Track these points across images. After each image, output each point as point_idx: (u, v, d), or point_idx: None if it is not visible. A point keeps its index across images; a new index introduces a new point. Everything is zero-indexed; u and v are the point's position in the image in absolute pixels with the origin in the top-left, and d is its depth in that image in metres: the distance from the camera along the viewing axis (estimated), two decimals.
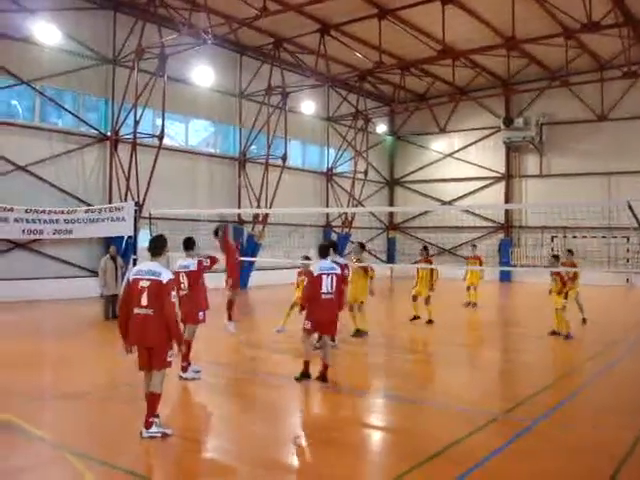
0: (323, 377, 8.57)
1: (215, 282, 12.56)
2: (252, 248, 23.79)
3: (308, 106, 28.13)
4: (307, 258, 12.35)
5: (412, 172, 34.45)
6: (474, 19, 22.17)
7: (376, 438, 6.84)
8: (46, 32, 18.72)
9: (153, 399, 6.26)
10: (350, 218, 30.06)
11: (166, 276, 6.30)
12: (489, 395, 8.66)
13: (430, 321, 14.57)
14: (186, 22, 19.34)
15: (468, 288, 18.67)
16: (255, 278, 24.35)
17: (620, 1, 19.86)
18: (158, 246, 6.59)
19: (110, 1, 20.54)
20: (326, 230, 29.73)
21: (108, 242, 18.03)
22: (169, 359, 6.33)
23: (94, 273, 18.00)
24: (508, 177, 31.47)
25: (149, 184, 20.24)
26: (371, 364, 10.71)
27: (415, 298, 15.10)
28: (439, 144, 33.65)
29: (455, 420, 7.18)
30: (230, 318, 12.34)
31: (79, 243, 19.34)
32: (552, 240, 28.92)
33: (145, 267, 6.42)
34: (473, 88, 30.58)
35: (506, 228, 31.21)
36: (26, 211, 16.75)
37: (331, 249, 11.36)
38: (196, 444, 6.37)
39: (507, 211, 31.03)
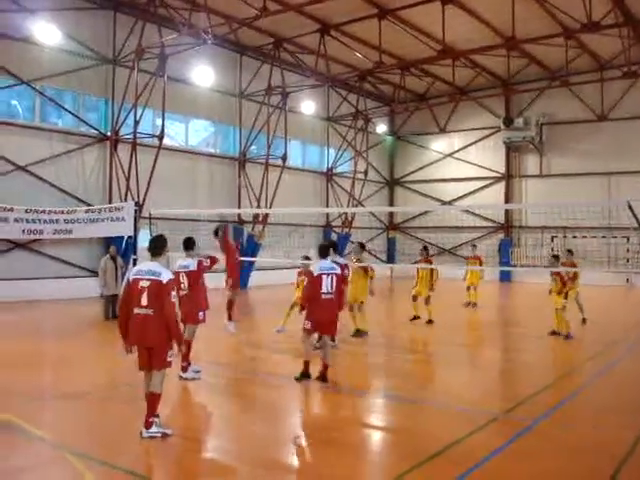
0: (323, 377, 8.57)
1: (215, 282, 12.55)
2: (252, 248, 23.79)
3: (308, 106, 28.13)
4: (307, 258, 12.35)
5: (412, 172, 34.45)
6: (474, 19, 22.17)
7: (376, 438, 6.84)
8: (46, 32, 18.72)
9: (153, 399, 6.25)
10: (350, 218, 30.06)
11: (166, 276, 6.30)
12: (489, 395, 8.66)
13: (430, 321, 14.57)
14: (186, 22, 19.33)
15: (468, 288, 18.67)
16: (255, 278, 24.35)
17: (620, 1, 19.86)
18: (158, 246, 6.58)
19: (110, 1, 20.54)
20: (326, 230, 29.73)
21: (108, 242, 18.03)
22: (169, 359, 6.32)
23: (94, 273, 18.00)
24: (508, 177, 31.47)
25: (149, 184, 20.24)
26: (371, 364, 10.70)
27: (415, 298, 15.10)
28: (439, 144, 33.65)
29: (455, 420, 7.17)
30: (230, 318, 12.33)
31: (79, 243, 19.34)
32: (552, 240, 28.92)
33: (145, 267, 6.41)
34: (473, 88, 30.58)
35: (506, 228, 31.21)
36: (26, 211, 16.74)
37: (331, 249, 11.39)
38: (196, 444, 6.37)
39: (507, 211, 31.04)
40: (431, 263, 15.80)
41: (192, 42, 20.54)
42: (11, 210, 16.58)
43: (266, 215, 24.62)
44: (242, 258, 15.40)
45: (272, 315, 14.26)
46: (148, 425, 6.16)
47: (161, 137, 20.45)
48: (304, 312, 8.86)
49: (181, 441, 6.30)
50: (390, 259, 33.50)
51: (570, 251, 15.35)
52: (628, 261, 27.32)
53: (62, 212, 17.18)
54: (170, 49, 20.31)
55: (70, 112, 20.17)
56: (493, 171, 31.79)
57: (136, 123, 20.07)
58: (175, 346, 6.40)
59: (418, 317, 14.97)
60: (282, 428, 6.95)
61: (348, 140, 30.59)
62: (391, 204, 34.92)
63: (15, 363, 9.79)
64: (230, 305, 12.37)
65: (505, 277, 29.96)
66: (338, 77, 27.20)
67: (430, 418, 7.44)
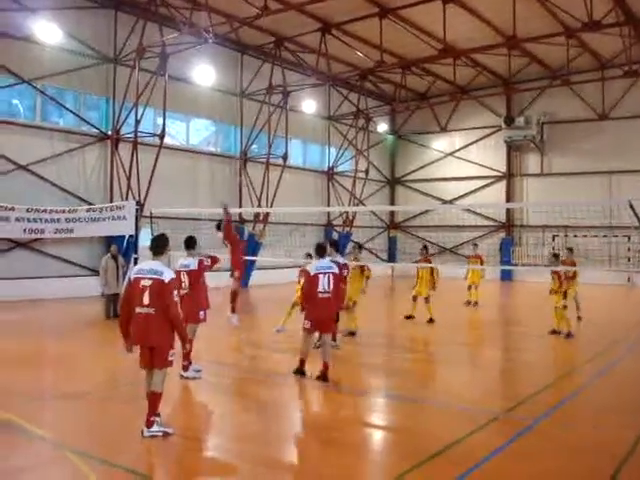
0: (324, 376, 8.58)
1: (216, 281, 12.57)
2: (253, 247, 23.78)
3: (309, 105, 28.11)
4: (309, 256, 12.34)
5: (413, 171, 34.43)
6: (475, 18, 22.16)
7: (377, 437, 6.85)
8: (47, 31, 18.71)
9: (154, 398, 6.26)
10: (351, 217, 30.06)
11: (168, 275, 6.30)
12: (490, 394, 8.66)
13: (431, 320, 14.57)
14: (187, 21, 19.32)
15: (469, 287, 18.69)
16: (256, 277, 24.35)
17: (621, 0, 19.84)
18: (160, 245, 6.58)
19: (111, 0, 20.54)
20: (327, 229, 29.73)
21: (109, 241, 18.04)
22: (170, 358, 6.33)
23: (95, 272, 18.00)
24: (509, 176, 31.45)
25: (150, 183, 20.25)
26: (372, 363, 10.70)
27: (415, 298, 15.10)
28: (440, 143, 33.63)
29: (456, 419, 7.18)
30: (233, 310, 12.33)
31: (80, 242, 19.36)
32: (553, 239, 28.90)
33: (147, 266, 6.41)
34: (474, 87, 30.56)
35: (507, 227, 31.20)
36: (27, 210, 16.78)
37: (332, 248, 11.42)
38: (197, 443, 6.38)
39: (508, 210, 31.04)
40: (430, 262, 15.81)
41: (193, 41, 20.52)
42: (12, 209, 16.62)
43: (267, 214, 24.63)
44: (244, 257, 15.39)
45: (273, 314, 14.26)
46: (149, 424, 6.17)
47: (162, 136, 20.46)
48: (305, 311, 8.90)
49: (182, 440, 6.31)
50: (391, 258, 33.49)
51: (570, 249, 15.35)
52: (629, 260, 27.30)
53: (63, 211, 17.24)
54: (171, 48, 20.31)
55: (71, 111, 20.18)
56: (494, 170, 31.77)
57: (137, 122, 20.07)
58: (180, 344, 6.40)
59: (413, 317, 14.98)
60: (283, 427, 6.96)
61: (349, 139, 30.58)
62: (392, 203, 34.91)
63: (15, 362, 9.81)
64: (234, 297, 12.37)
65: (506, 276, 29.95)
66: (339, 76, 27.18)
67: (431, 417, 7.45)
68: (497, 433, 6.69)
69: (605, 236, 27.36)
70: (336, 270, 8.93)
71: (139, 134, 20.32)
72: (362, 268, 12.79)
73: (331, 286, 8.70)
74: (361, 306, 13.21)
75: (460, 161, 32.74)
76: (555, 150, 30.14)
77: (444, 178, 33.04)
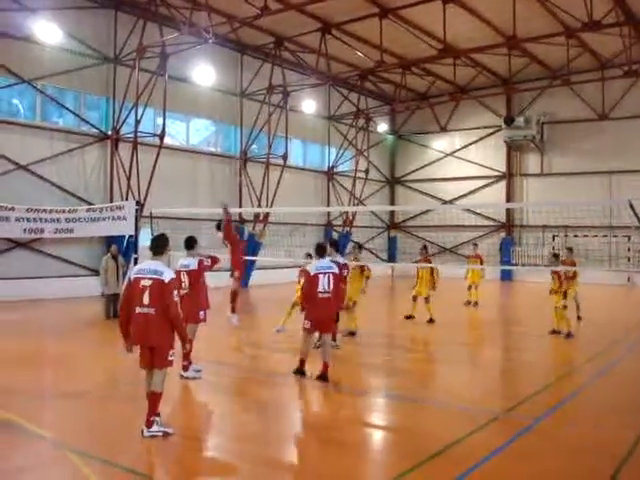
0: (324, 376, 8.59)
1: (216, 281, 12.57)
2: (253, 247, 23.78)
3: (309, 105, 28.11)
4: (310, 256, 12.34)
5: (413, 171, 34.42)
6: (475, 18, 22.15)
7: (377, 437, 6.85)
8: (47, 31, 18.70)
9: (154, 398, 6.26)
10: (351, 217, 30.07)
11: (168, 275, 6.29)
12: (490, 394, 8.66)
13: (431, 320, 14.57)
14: (187, 21, 19.31)
15: (469, 287, 18.70)
16: (256, 277, 24.35)
17: (621, 0, 19.84)
18: (160, 245, 6.57)
19: (111, 0, 20.54)
20: (327, 229, 29.73)
21: (109, 241, 18.04)
22: (170, 358, 6.33)
23: (95, 272, 18.02)
24: (509, 176, 31.45)
25: (150, 183, 20.26)
26: (372, 363, 10.70)
27: (415, 298, 15.11)
28: (440, 143, 33.63)
29: (456, 419, 7.18)
30: (233, 310, 12.32)
31: (80, 242, 19.36)
32: (553, 239, 28.91)
33: (147, 266, 6.40)
34: (474, 87, 30.54)
35: (507, 227, 31.20)
36: (27, 210, 16.77)
37: (332, 248, 11.42)
38: (197, 443, 6.38)
39: (508, 210, 31.04)
40: (430, 262, 15.81)
41: (193, 41, 20.53)
42: (12, 209, 16.61)
43: (267, 214, 24.62)
44: (244, 257, 15.40)
45: (273, 314, 14.26)
46: (149, 424, 6.17)
47: (162, 136, 20.47)
48: (305, 311, 8.91)
49: (182, 440, 6.31)
50: (391, 258, 33.49)
51: (570, 249, 15.34)
52: (629, 260, 27.31)
53: (63, 211, 17.22)
54: (171, 48, 20.33)
55: (71, 111, 20.18)
56: (494, 170, 31.77)
57: (137, 122, 20.08)
58: (180, 344, 6.39)
59: (413, 317, 14.98)
60: (283, 427, 6.96)
61: (349, 139, 30.59)
62: (392, 203, 34.91)
63: (16, 362, 9.81)
64: (234, 297, 12.37)
65: (506, 276, 29.94)
66: (339, 76, 27.17)
67: (431, 417, 7.45)
68: (497, 433, 6.69)
69: (605, 236, 27.38)
70: (336, 270, 8.94)
71: (139, 134, 20.33)
72: (362, 268, 12.80)
73: (331, 286, 8.70)
74: (361, 306, 13.22)
75: (460, 161, 32.73)
76: (555, 150, 30.14)
77: (444, 178, 33.03)
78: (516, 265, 29.54)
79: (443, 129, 33.18)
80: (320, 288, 8.64)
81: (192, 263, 8.94)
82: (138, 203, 17.76)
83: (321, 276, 8.67)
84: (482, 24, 22.64)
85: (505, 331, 15.21)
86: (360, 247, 13.87)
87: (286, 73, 25.38)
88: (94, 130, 20.70)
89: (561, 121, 29.77)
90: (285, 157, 25.84)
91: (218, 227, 12.69)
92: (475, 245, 20.47)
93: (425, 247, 15.93)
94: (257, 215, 24.64)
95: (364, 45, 24.66)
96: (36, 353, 10.85)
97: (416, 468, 5.49)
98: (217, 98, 24.67)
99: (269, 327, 13.21)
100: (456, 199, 32.13)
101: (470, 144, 32.49)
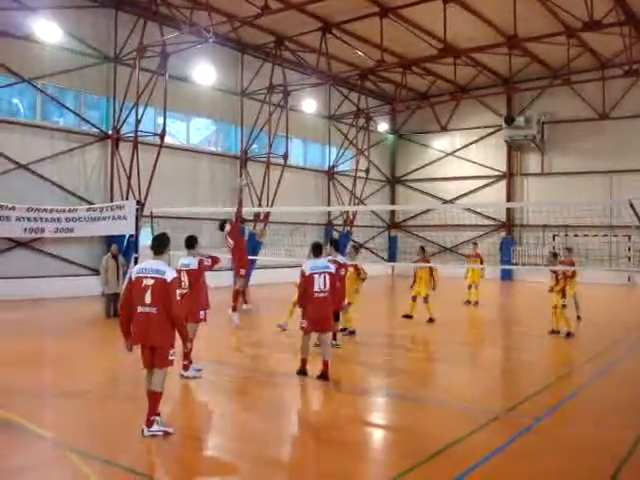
0: (324, 375, 8.60)
1: (216, 281, 12.57)
2: (254, 246, 23.79)
3: (309, 104, 28.10)
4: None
5: (413, 170, 34.42)
6: (476, 17, 22.15)
7: (377, 436, 6.85)
8: (47, 30, 18.70)
9: (154, 397, 6.26)
10: (351, 216, 30.07)
11: (170, 274, 6.29)
12: (490, 394, 8.66)
13: (431, 319, 14.57)
14: (187, 20, 19.31)
15: (469, 286, 18.70)
16: (256, 276, 24.33)
17: (621, 0, 19.83)
18: (161, 244, 6.57)
19: None
20: (328, 228, 29.73)
21: (109, 240, 18.05)
22: (171, 357, 6.33)
23: (95, 271, 18.03)
24: (509, 175, 31.44)
25: (150, 183, 20.26)
26: (372, 362, 10.70)
27: (415, 298, 15.11)
28: (440, 142, 33.62)
29: (456, 419, 7.18)
30: (235, 309, 12.32)
31: (80, 241, 19.36)
32: (554, 239, 28.91)
33: (149, 265, 6.39)
34: (474, 86, 30.54)
35: (508, 226, 31.20)
36: (28, 209, 16.78)
37: (332, 248, 11.45)
38: (197, 442, 6.38)
39: (508, 209, 31.05)
40: (428, 262, 15.82)
41: (194, 40, 20.54)
42: (13, 209, 16.62)
43: (267, 213, 24.63)
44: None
45: (273, 314, 14.26)
46: (149, 423, 6.17)
47: (162, 135, 20.47)
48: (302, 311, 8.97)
49: (182, 439, 6.31)
50: (391, 257, 33.50)
51: (569, 249, 15.34)
52: (629, 260, 27.32)
53: (64, 210, 17.23)
54: (171, 47, 20.33)
55: (71, 110, 20.19)
56: (494, 169, 31.77)
57: (137, 121, 20.08)
58: (181, 344, 6.39)
59: (411, 316, 14.98)
60: (283, 426, 6.96)
61: (349, 138, 30.60)
62: (392, 202, 34.93)
63: (16, 361, 9.81)
64: (236, 296, 12.36)
65: (506, 275, 29.95)
66: (339, 75, 27.16)
67: (431, 417, 7.44)
68: (497, 433, 6.69)
69: (605, 236, 27.40)
70: (332, 270, 8.95)
71: (139, 133, 20.33)
72: (358, 270, 12.78)
73: (327, 286, 8.72)
74: (362, 306, 13.22)
75: (460, 161, 32.73)
76: (555, 150, 30.13)
77: (444, 178, 33.03)
78: (516, 265, 29.54)
79: (443, 129, 33.18)
80: (316, 288, 8.66)
81: (192, 262, 8.94)
82: (138, 202, 17.78)
83: (316, 276, 8.70)
84: (483, 23, 22.64)
85: (505, 331, 15.21)
86: (357, 249, 13.85)
87: (286, 72, 25.38)
88: (94, 129, 20.71)
89: (561, 121, 29.76)
90: (285, 156, 25.84)
91: (221, 227, 12.69)
92: (475, 244, 20.48)
93: (423, 248, 15.91)
94: (258, 214, 24.65)
95: (364, 44, 24.66)
96: (36, 352, 10.85)
97: (416, 468, 5.49)
98: (217, 97, 24.67)
99: (269, 327, 13.22)
100: (456, 198, 32.13)
101: (470, 144, 32.48)
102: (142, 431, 6.15)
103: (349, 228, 30.08)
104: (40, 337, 12.35)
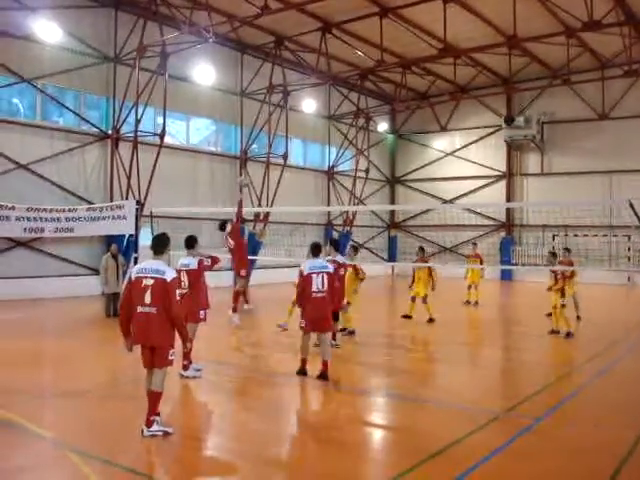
0: (323, 375, 8.60)
1: (216, 281, 12.57)
2: (253, 246, 23.78)
3: (309, 104, 28.10)
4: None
5: (413, 170, 34.43)
6: (475, 17, 22.15)
7: (377, 436, 6.84)
8: (47, 30, 18.70)
9: (154, 397, 6.25)
10: (351, 216, 30.08)
11: (170, 274, 6.29)
12: (490, 394, 8.66)
13: (431, 319, 14.57)
14: (187, 20, 19.32)
15: (469, 287, 18.70)
16: (256, 276, 24.31)
17: (621, 0, 19.84)
18: (161, 244, 6.56)
19: None
20: (327, 228, 29.74)
21: (109, 240, 18.05)
22: (171, 357, 6.33)
23: (95, 271, 18.04)
24: (509, 175, 31.45)
25: (150, 182, 20.26)
26: (372, 362, 10.70)
27: (414, 299, 15.10)
28: (440, 142, 33.63)
29: (456, 419, 7.17)
30: (235, 310, 12.32)
31: (80, 241, 19.36)
32: (553, 239, 28.90)
33: (149, 265, 6.39)
34: (474, 86, 30.54)
35: (507, 226, 31.20)
36: (27, 209, 16.77)
37: (332, 248, 11.46)
38: (197, 442, 6.38)
39: (508, 209, 31.05)
40: (427, 263, 15.81)
41: (193, 40, 20.54)
42: (12, 208, 16.61)
43: (267, 213, 24.63)
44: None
45: (273, 313, 14.27)
46: (149, 423, 6.16)
47: (162, 135, 20.46)
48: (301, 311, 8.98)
49: (182, 439, 6.31)
50: (391, 258, 33.51)
51: (568, 249, 15.34)
52: (629, 260, 27.33)
53: (63, 210, 17.22)
54: (171, 47, 20.33)
55: (71, 110, 20.19)
56: (494, 169, 31.77)
57: (137, 121, 20.07)
58: (181, 344, 6.39)
59: (410, 317, 14.97)
60: (283, 426, 6.97)
61: (349, 138, 30.60)
62: (392, 202, 34.93)
63: (16, 361, 9.81)
64: (237, 297, 12.36)
65: (506, 276, 29.96)
66: (339, 75, 27.17)
67: (430, 417, 7.44)
68: (497, 433, 6.69)
69: (605, 236, 27.41)
70: (330, 269, 8.95)
71: (139, 133, 20.32)
72: (357, 270, 12.77)
73: (325, 285, 8.73)
74: (362, 306, 13.22)
75: (460, 161, 32.73)
76: (555, 150, 30.14)
77: (444, 178, 33.03)
78: (516, 265, 29.55)
79: (443, 129, 33.18)
80: (314, 288, 8.67)
81: (192, 262, 8.94)
82: (138, 202, 17.77)
83: (314, 276, 8.70)
84: (482, 23, 22.64)
85: (505, 331, 15.21)
86: (356, 249, 13.85)
87: (286, 72, 25.38)
88: (94, 129, 20.71)
89: (561, 121, 29.77)
90: (285, 156, 25.84)
91: (221, 227, 12.66)
92: (474, 245, 20.48)
93: (422, 249, 15.90)
94: (257, 214, 24.65)
95: (364, 44, 24.66)
96: (36, 352, 10.84)
97: (416, 468, 5.49)
98: (217, 97, 24.67)
99: (269, 327, 13.22)
100: (456, 198, 32.14)
101: (470, 144, 32.49)
102: (142, 431, 6.15)
103: (349, 228, 30.09)
104: (40, 337, 12.34)
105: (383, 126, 33.60)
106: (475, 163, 32.16)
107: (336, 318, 11.00)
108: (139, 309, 6.23)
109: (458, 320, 16.05)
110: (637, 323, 15.89)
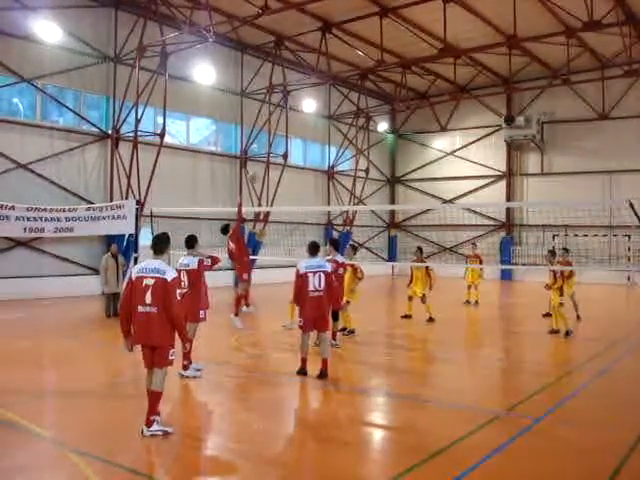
0: (323, 373, 8.61)
1: (216, 280, 12.55)
2: (254, 246, 23.77)
3: (309, 104, 28.10)
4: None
5: (413, 170, 34.44)
6: (475, 17, 22.15)
7: (377, 436, 6.84)
8: (47, 30, 18.71)
9: (154, 397, 6.26)
10: (351, 216, 30.09)
11: (170, 274, 6.29)
12: (490, 393, 8.67)
13: (431, 319, 14.58)
14: (187, 20, 19.33)
15: (469, 287, 18.70)
16: (256, 276, 24.25)
17: (621, 0, 19.84)
18: (161, 244, 6.56)
19: None
20: (327, 228, 29.74)
21: (109, 240, 18.07)
22: (171, 357, 6.33)
23: (95, 271, 18.06)
24: (509, 175, 31.46)
25: (150, 182, 20.25)
26: (372, 362, 10.70)
27: (411, 298, 15.11)
28: (440, 142, 33.63)
29: (456, 418, 7.17)
30: (237, 313, 12.31)
31: (80, 241, 19.35)
32: (553, 239, 28.88)
33: (149, 265, 6.38)
34: (474, 86, 30.56)
35: (507, 226, 31.20)
36: (27, 209, 16.77)
37: (332, 247, 11.46)
38: (197, 442, 6.38)
39: (508, 209, 31.06)
40: (424, 263, 15.82)
41: (193, 40, 20.53)
42: (12, 208, 16.61)
43: (267, 213, 24.64)
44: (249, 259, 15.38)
45: (273, 313, 14.28)
46: (149, 423, 6.16)
47: (162, 135, 20.46)
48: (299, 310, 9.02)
49: (182, 439, 6.31)
50: (391, 257, 33.51)
51: (566, 249, 15.35)
52: (629, 260, 27.32)
53: (63, 210, 17.21)
54: (171, 47, 20.33)
55: (71, 110, 20.19)
56: (494, 169, 31.78)
57: (137, 121, 20.07)
58: (181, 344, 6.39)
59: (410, 316, 14.98)
60: (283, 426, 6.97)
61: (349, 138, 30.61)
62: (392, 202, 34.94)
63: (16, 361, 9.81)
64: (239, 300, 12.35)
65: (506, 275, 29.96)
66: (339, 75, 27.17)
67: (430, 416, 7.44)
68: (497, 432, 6.68)
69: (605, 235, 27.41)
70: (328, 269, 8.96)
71: (139, 133, 20.32)
72: (355, 270, 12.77)
73: (322, 285, 8.72)
74: (362, 305, 13.21)
75: (460, 160, 32.74)
76: (555, 149, 30.14)
77: (444, 177, 33.03)
78: (516, 265, 29.55)
79: (443, 128, 33.18)
80: (311, 287, 8.69)
81: (192, 262, 8.93)
82: (138, 202, 17.76)
83: (310, 275, 8.71)
84: (482, 23, 22.65)
85: (505, 331, 15.20)
86: (355, 248, 13.85)
87: (286, 72, 25.38)
88: (94, 129, 20.71)
89: (561, 120, 29.77)
90: (285, 156, 25.86)
91: (224, 231, 12.57)
92: (474, 245, 20.47)
93: (420, 249, 15.90)
94: (257, 214, 24.65)
95: (364, 44, 24.67)
96: (36, 352, 10.85)
97: (416, 467, 5.48)
98: (217, 97, 24.67)
99: (269, 327, 13.23)
100: (456, 198, 32.15)
101: (470, 143, 32.49)
102: (142, 431, 6.15)
103: (349, 228, 30.09)
104: (40, 337, 12.33)
105: (383, 126, 33.59)
106: (475, 163, 32.17)
107: (336, 318, 11.02)
108: (140, 309, 6.23)
109: (458, 320, 16.05)
110: (637, 323, 15.89)
